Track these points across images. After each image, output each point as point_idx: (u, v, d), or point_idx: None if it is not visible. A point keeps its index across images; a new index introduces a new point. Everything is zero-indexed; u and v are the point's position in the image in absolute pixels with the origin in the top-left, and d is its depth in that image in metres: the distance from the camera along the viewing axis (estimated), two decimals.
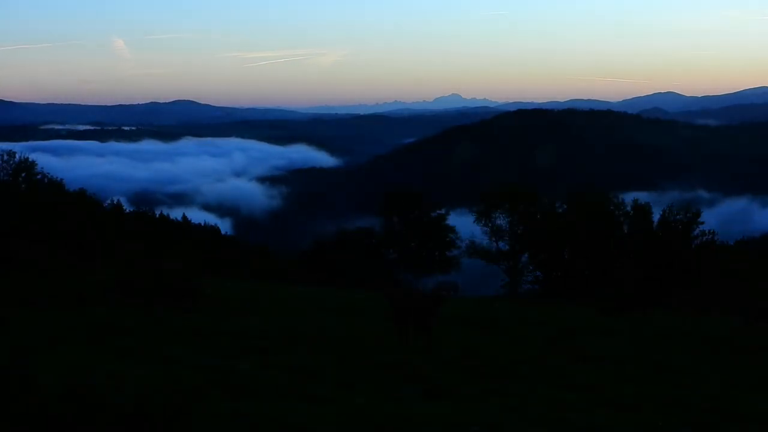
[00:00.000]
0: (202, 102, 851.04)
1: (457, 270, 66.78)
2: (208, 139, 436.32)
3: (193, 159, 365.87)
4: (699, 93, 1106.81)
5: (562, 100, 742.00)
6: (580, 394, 12.80)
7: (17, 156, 47.98)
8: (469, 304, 39.04)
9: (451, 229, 67.23)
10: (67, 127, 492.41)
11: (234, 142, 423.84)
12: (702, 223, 60.78)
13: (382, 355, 15.56)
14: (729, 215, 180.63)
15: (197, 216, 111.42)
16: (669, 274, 59.13)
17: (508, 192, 65.50)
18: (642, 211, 61.87)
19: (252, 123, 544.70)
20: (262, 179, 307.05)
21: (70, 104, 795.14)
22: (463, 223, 68.14)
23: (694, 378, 16.04)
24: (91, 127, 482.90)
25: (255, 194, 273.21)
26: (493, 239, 65.96)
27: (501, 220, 65.78)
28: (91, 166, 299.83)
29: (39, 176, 48.11)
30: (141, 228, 71.44)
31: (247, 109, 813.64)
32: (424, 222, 67.22)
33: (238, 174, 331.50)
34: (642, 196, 72.56)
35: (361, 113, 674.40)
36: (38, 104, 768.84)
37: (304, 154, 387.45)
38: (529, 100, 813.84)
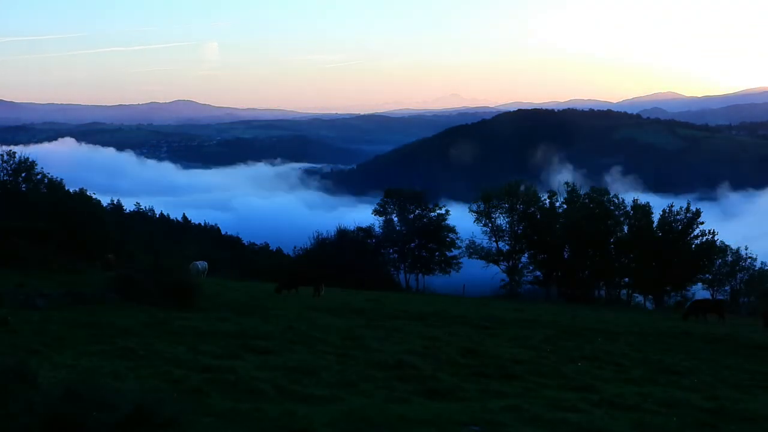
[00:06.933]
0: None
1: (457, 270, 66.65)
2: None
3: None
4: (699, 93, 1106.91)
5: (562, 100, 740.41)
6: (580, 394, 12.80)
7: (17, 156, 47.89)
8: (470, 304, 39.10)
9: (452, 229, 67.08)
10: (69, 126, 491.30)
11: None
12: (702, 223, 60.76)
13: (382, 355, 15.56)
14: (729, 215, 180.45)
15: (198, 215, 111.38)
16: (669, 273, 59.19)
17: (508, 191, 65.39)
18: (642, 210, 61.80)
19: (252, 123, 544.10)
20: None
21: (71, 104, 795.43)
22: (463, 223, 67.96)
23: (694, 378, 16.04)
24: (99, 127, 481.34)
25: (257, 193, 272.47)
26: (493, 239, 65.91)
27: (501, 220, 65.74)
28: (94, 166, 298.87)
29: (39, 176, 47.98)
30: (141, 228, 71.67)
31: (246, 110, 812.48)
32: (424, 222, 67.12)
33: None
34: (642, 195, 72.38)
35: (361, 113, 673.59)
36: (38, 104, 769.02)
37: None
38: (529, 101, 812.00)
